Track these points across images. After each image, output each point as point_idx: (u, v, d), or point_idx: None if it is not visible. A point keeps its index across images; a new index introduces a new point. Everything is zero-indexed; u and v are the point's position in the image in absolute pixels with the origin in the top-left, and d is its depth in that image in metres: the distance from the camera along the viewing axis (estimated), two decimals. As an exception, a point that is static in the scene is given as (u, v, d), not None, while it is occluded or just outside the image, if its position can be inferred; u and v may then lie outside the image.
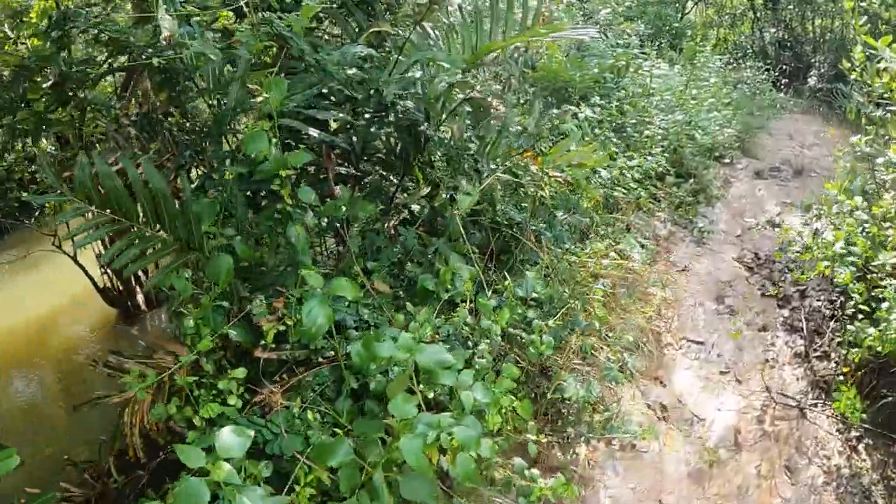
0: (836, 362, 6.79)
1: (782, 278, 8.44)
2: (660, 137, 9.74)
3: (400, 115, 4.77)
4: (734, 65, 18.65)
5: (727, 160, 11.58)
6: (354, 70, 4.40)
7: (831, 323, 7.52)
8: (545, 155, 5.21)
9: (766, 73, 16.39)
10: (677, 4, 19.17)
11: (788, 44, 23.58)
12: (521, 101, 9.52)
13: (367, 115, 4.78)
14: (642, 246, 7.53)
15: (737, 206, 10.33)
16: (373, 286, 4.83)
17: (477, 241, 5.35)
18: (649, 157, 8.86)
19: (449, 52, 5.63)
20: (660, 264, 7.98)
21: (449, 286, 4.54)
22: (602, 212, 7.48)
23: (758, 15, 23.43)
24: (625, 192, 7.77)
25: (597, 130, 8.42)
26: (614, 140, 9.06)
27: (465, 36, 5.85)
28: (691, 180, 9.95)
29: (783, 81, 18.60)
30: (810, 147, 13.22)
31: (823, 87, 21.92)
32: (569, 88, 9.74)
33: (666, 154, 9.57)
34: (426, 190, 5.27)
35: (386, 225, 5.29)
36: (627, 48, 11.17)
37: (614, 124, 9.15)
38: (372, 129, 4.87)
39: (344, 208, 4.65)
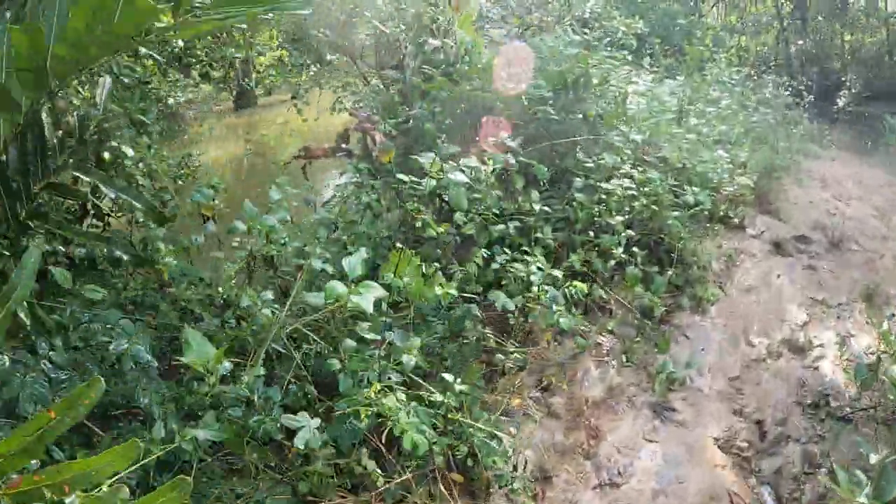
0: None
1: (801, 487, 3.98)
2: (630, 194, 5.22)
3: None
4: (755, 79, 13.85)
5: (736, 220, 6.95)
6: None
7: None
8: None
9: (792, 91, 11.51)
10: (692, 3, 14.26)
11: (816, 58, 18.58)
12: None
13: None
14: None
15: (741, 309, 5.75)
16: None
17: None
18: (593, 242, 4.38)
19: None
20: (564, 470, 3.53)
21: None
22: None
23: (784, 24, 18.39)
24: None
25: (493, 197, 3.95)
26: (536, 209, 4.57)
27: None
28: (672, 270, 5.39)
29: (808, 98, 13.60)
30: (849, 200, 8.49)
31: (854, 109, 17.00)
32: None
33: (631, 230, 5.05)
34: None
35: None
36: (594, 49, 6.50)
37: (543, 179, 4.64)
38: None
39: None
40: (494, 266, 4.20)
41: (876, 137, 12.50)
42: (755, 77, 14.24)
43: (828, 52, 19.05)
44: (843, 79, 18.18)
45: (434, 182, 3.60)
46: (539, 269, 3.92)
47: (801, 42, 17.98)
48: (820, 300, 6.35)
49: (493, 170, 4.25)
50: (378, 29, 7.05)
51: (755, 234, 6.94)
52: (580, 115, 5.67)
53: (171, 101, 13.12)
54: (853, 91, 17.51)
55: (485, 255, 4.22)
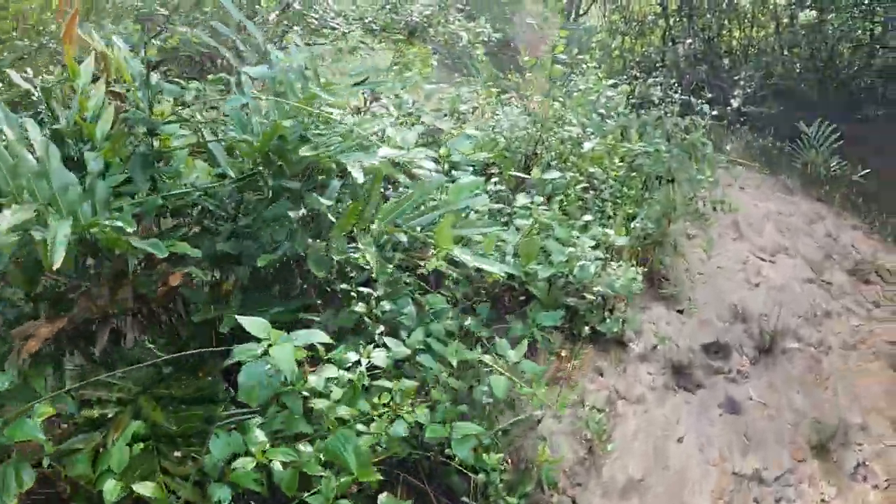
0: None
1: None
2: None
3: None
4: (639, 81, 11.21)
5: (613, 332, 4.01)
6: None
7: None
8: None
9: (684, 104, 8.80)
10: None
11: (705, 57, 16.16)
12: None
13: None
14: None
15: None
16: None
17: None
18: None
19: None
20: None
21: None
22: None
23: (671, 23, 15.90)
24: None
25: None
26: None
27: None
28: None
29: (704, 108, 10.90)
30: (774, 255, 5.75)
31: (751, 110, 14.65)
32: None
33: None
34: None
35: None
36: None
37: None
38: None
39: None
40: None
41: (781, 146, 10.00)
42: (639, 80, 11.63)
43: (717, 51, 16.69)
44: (736, 78, 15.88)
45: None
46: None
47: (689, 41, 15.51)
48: (749, 474, 3.50)
49: None
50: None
51: (643, 353, 4.04)
52: (290, 221, 2.61)
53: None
54: (748, 91, 15.18)
55: None
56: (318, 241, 2.89)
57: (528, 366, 2.67)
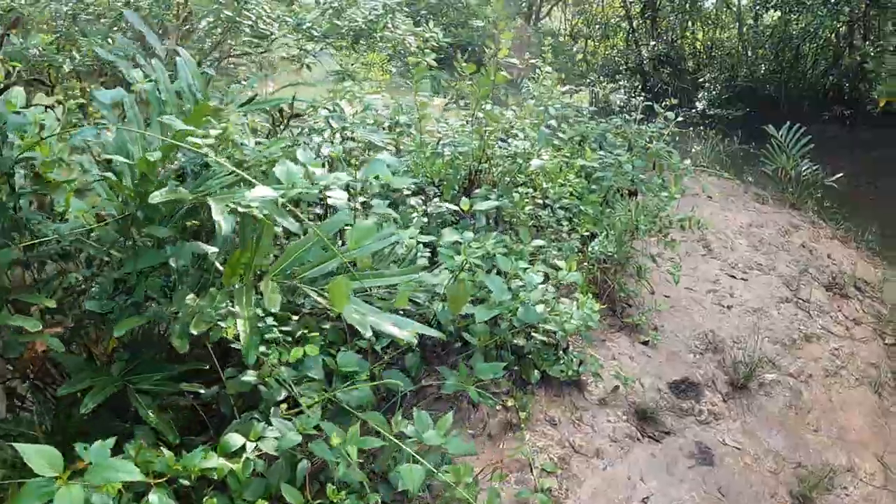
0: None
1: None
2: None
3: None
4: (602, 85, 10.80)
5: (568, 374, 3.50)
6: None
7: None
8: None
9: (647, 113, 8.40)
10: (522, 4, 10.98)
11: (669, 59, 15.86)
12: None
13: None
14: None
15: None
16: None
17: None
18: None
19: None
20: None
21: None
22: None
23: (634, 25, 15.62)
24: None
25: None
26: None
27: None
28: None
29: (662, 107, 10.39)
30: (746, 271, 5.32)
31: (715, 112, 14.40)
32: None
33: None
34: None
35: None
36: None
37: None
38: None
39: None
40: None
41: (748, 150, 9.64)
42: (601, 82, 11.25)
43: (681, 53, 16.42)
44: (700, 80, 15.64)
45: None
46: None
47: (653, 43, 15.23)
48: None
49: None
50: None
51: (602, 397, 3.55)
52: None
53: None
54: (713, 93, 14.95)
55: None
56: (203, 295, 2.36)
57: (455, 445, 2.16)
